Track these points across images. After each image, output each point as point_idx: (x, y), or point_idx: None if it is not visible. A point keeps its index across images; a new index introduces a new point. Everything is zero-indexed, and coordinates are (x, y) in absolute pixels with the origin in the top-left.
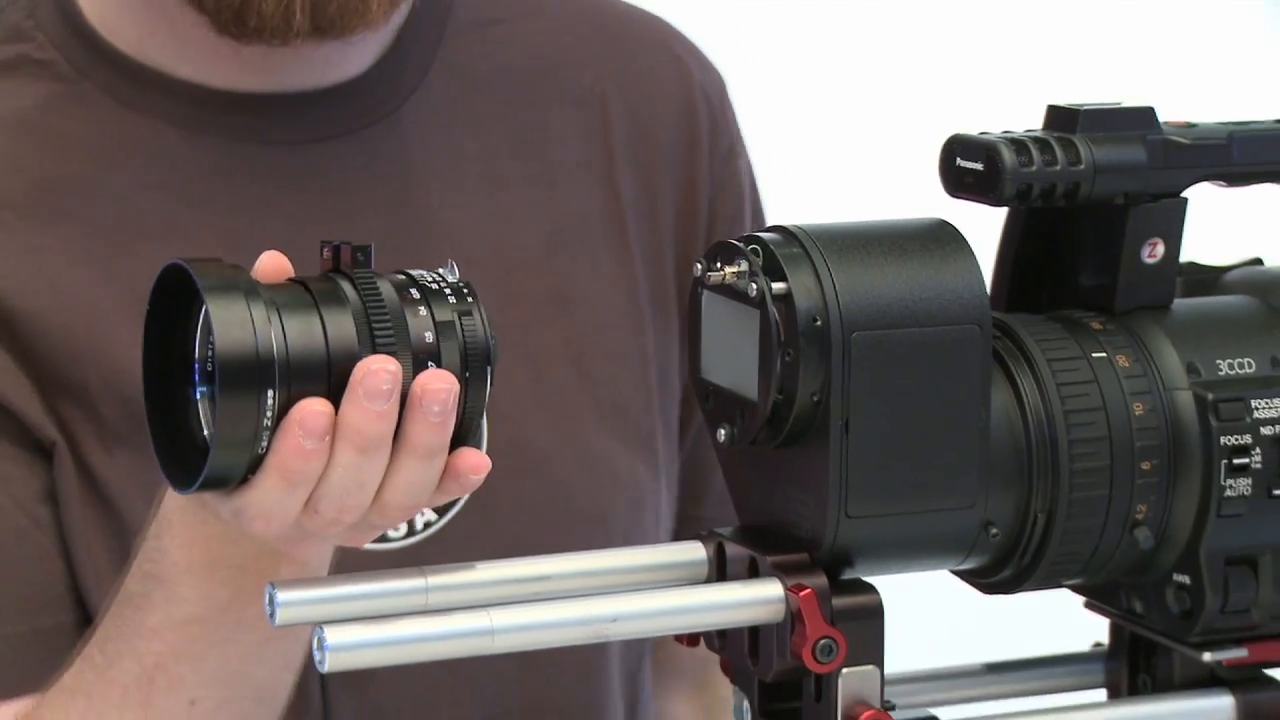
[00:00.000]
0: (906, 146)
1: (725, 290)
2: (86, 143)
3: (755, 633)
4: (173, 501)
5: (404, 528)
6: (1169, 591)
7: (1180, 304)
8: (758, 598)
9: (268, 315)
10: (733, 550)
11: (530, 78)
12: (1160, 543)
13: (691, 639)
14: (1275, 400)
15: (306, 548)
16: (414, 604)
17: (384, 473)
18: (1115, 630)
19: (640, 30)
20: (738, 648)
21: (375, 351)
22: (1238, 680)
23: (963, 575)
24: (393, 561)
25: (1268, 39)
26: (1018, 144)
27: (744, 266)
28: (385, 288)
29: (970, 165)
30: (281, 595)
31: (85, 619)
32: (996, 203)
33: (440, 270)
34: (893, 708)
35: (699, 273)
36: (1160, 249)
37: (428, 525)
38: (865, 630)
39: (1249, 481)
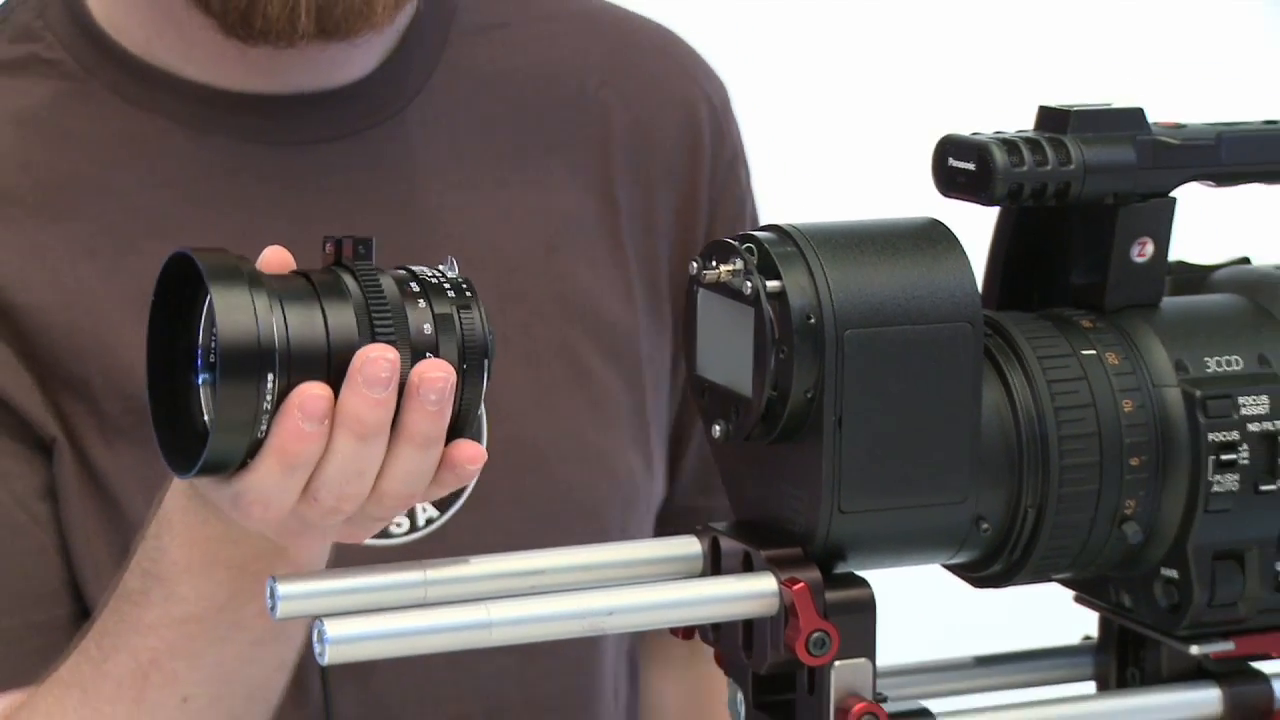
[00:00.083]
0: (899, 147)
1: (720, 288)
2: (93, 141)
3: (749, 626)
4: (173, 501)
5: (405, 524)
6: (1157, 586)
7: (1169, 302)
8: (752, 591)
9: (270, 304)
10: (727, 544)
11: (533, 81)
12: (1149, 537)
13: (686, 632)
14: (1262, 397)
15: (305, 543)
16: (413, 597)
17: (382, 462)
18: (1104, 624)
19: (644, 37)
20: (732, 641)
21: (375, 342)
22: (1225, 673)
23: (954, 569)
24: (394, 557)
25: (1258, 39)
26: (1009, 144)
27: (739, 265)
28: (386, 281)
29: (962, 165)
30: (282, 588)
31: (83, 613)
32: (988, 202)
33: (440, 267)
34: (884, 700)
35: (695, 271)
36: (1149, 248)
37: (429, 522)
38: (858, 623)
39: (1236, 477)
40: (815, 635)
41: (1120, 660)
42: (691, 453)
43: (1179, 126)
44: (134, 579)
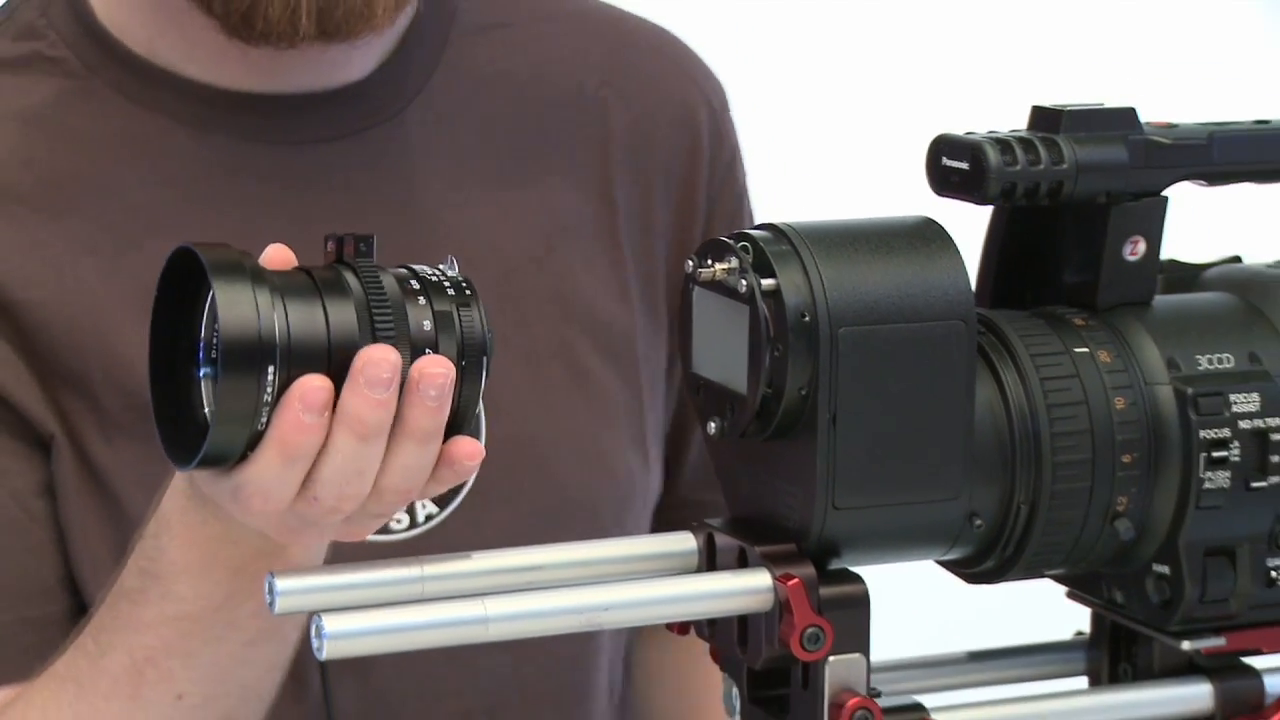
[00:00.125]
0: (893, 146)
1: (716, 286)
2: (95, 139)
3: (744, 621)
4: (172, 501)
5: (405, 520)
6: (1149, 582)
7: (1161, 300)
8: (747, 587)
9: (272, 299)
10: (722, 540)
11: (532, 82)
12: (1140, 534)
13: (681, 627)
14: (1253, 394)
15: (303, 542)
16: (410, 593)
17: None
18: (1096, 619)
19: (643, 38)
20: (727, 636)
21: (375, 339)
22: (1216, 668)
23: (947, 565)
24: (394, 554)
25: (1252, 39)
26: (1002, 144)
27: (734, 263)
28: (387, 279)
29: (956, 164)
30: (281, 584)
31: (81, 608)
32: (981, 201)
33: (441, 265)
34: (878, 695)
35: (690, 269)
36: (1141, 247)
37: (429, 518)
38: (852, 619)
39: (1227, 474)
40: (810, 631)
41: (1112, 656)
42: (694, 447)
43: (1171, 126)
44: (132, 577)
